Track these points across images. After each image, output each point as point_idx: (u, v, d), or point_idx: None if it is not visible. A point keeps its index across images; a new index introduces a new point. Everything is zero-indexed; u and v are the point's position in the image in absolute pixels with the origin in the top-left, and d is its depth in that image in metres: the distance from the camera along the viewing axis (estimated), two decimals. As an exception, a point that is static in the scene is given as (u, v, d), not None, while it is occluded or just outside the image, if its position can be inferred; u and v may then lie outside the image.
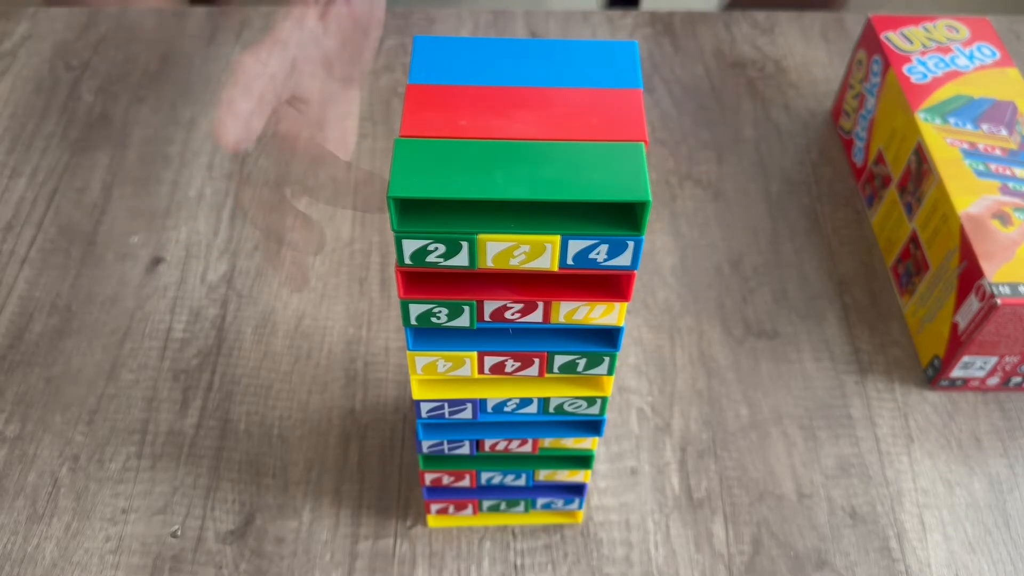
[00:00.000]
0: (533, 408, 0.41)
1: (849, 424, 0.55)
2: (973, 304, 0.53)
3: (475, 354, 0.37)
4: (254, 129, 0.37)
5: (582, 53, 0.35)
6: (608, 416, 0.47)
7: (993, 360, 0.55)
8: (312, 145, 0.39)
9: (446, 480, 0.46)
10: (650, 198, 0.30)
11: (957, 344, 0.54)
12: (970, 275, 0.53)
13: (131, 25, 0.77)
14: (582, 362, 0.38)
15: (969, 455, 0.54)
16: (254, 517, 0.51)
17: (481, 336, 0.37)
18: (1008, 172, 0.57)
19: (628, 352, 0.58)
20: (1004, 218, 0.54)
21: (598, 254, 0.32)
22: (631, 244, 0.32)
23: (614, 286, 0.35)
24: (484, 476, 0.46)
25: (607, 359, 0.38)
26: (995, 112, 0.61)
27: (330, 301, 0.60)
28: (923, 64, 0.63)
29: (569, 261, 0.32)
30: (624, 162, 0.31)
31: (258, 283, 0.61)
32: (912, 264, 0.59)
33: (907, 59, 0.64)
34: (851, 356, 0.58)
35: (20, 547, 0.49)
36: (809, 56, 0.77)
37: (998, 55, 0.64)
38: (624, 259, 0.32)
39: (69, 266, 0.61)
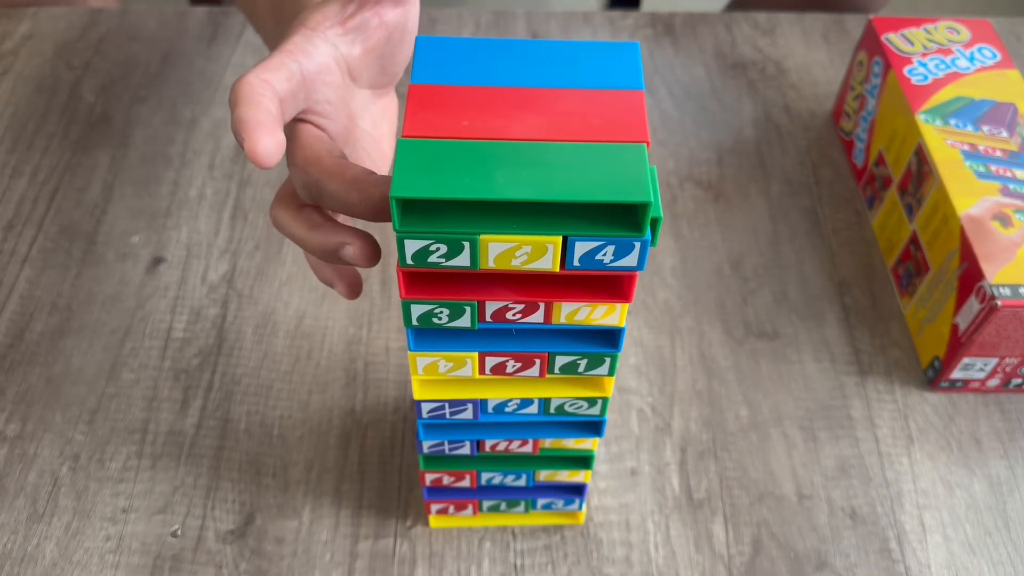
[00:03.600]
0: (534, 409, 0.41)
1: (849, 425, 0.55)
2: (973, 306, 0.53)
3: (476, 355, 0.37)
4: (281, 140, 0.35)
5: (584, 54, 0.35)
6: (608, 417, 0.47)
7: (993, 362, 0.55)
8: (334, 162, 0.36)
9: (446, 480, 0.46)
10: (651, 199, 0.30)
11: (957, 345, 0.54)
12: (970, 276, 0.53)
13: (132, 25, 0.77)
14: (583, 363, 0.38)
15: (969, 456, 0.54)
16: (254, 517, 0.51)
17: (482, 337, 0.37)
18: (1008, 174, 0.57)
19: (628, 353, 0.58)
20: (1004, 220, 0.54)
21: (604, 255, 0.32)
22: (638, 245, 0.32)
23: (616, 287, 0.35)
24: (484, 476, 0.46)
25: (608, 360, 0.38)
26: (996, 114, 0.61)
27: (331, 301, 0.60)
28: (924, 66, 0.63)
29: (576, 262, 0.32)
30: (626, 163, 0.31)
31: (259, 283, 0.61)
32: (912, 265, 0.59)
33: (908, 61, 0.64)
34: (851, 357, 0.58)
35: (20, 546, 0.49)
36: (810, 57, 0.77)
37: (999, 57, 0.64)
38: (631, 260, 0.32)
39: (70, 265, 0.61)
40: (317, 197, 0.36)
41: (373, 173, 0.36)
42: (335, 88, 0.39)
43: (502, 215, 0.32)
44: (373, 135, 0.43)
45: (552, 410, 0.41)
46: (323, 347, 0.58)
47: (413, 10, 0.41)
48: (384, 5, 0.39)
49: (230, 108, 0.34)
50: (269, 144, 0.34)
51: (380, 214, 0.35)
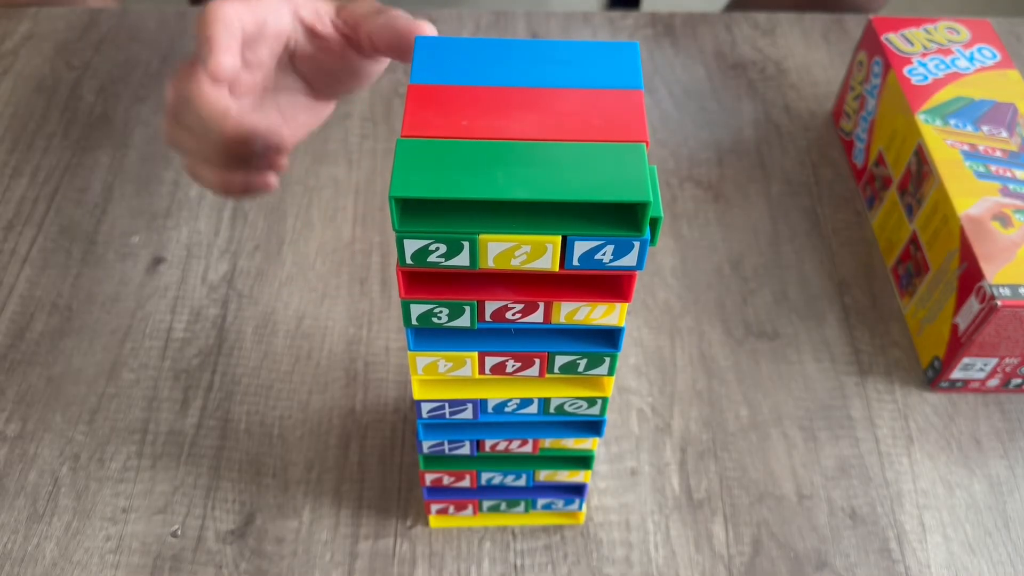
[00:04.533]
0: (533, 408, 0.41)
1: (849, 425, 0.55)
2: (973, 306, 0.53)
3: (476, 354, 0.37)
4: (239, 63, 0.39)
5: (583, 54, 0.35)
6: (608, 417, 0.47)
7: (993, 362, 0.55)
8: (230, 120, 0.41)
9: (446, 480, 0.46)
10: (651, 198, 0.30)
11: (957, 345, 0.54)
12: (970, 277, 0.53)
13: (132, 25, 0.77)
14: (583, 362, 0.38)
15: (969, 456, 0.54)
16: (254, 517, 0.51)
17: (482, 336, 0.37)
18: (1008, 174, 0.57)
19: (628, 353, 0.58)
20: (1004, 220, 0.54)
21: (604, 255, 0.32)
22: (637, 244, 0.32)
23: (615, 287, 0.35)
24: (484, 476, 0.46)
25: (608, 359, 0.38)
26: (995, 114, 0.61)
27: (331, 301, 0.60)
28: (924, 66, 0.63)
29: (575, 262, 0.32)
30: (625, 163, 0.31)
31: (259, 283, 0.61)
32: (912, 265, 0.59)
33: (908, 61, 0.64)
34: (851, 357, 0.58)
35: (20, 546, 0.49)
36: (810, 57, 0.77)
37: (999, 57, 0.64)
38: (630, 259, 0.32)
39: (70, 266, 0.61)
40: (182, 112, 0.42)
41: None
42: (271, 54, 0.44)
43: (501, 215, 0.32)
44: (285, 113, 0.48)
45: (552, 410, 0.41)
46: (323, 347, 0.58)
47: (377, 68, 0.48)
48: (364, 58, 0.46)
49: (199, 27, 0.38)
50: (232, 61, 0.38)
51: (228, 152, 0.41)
